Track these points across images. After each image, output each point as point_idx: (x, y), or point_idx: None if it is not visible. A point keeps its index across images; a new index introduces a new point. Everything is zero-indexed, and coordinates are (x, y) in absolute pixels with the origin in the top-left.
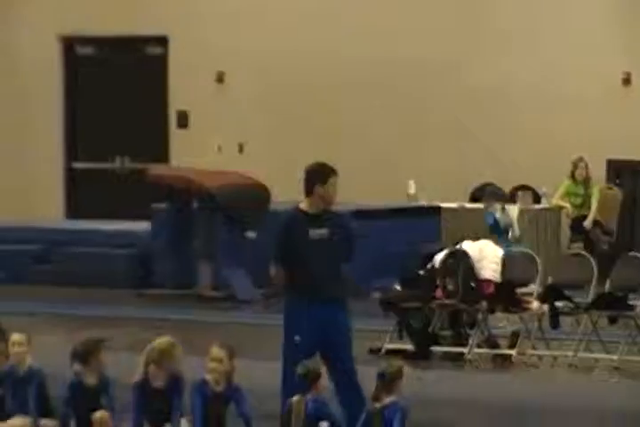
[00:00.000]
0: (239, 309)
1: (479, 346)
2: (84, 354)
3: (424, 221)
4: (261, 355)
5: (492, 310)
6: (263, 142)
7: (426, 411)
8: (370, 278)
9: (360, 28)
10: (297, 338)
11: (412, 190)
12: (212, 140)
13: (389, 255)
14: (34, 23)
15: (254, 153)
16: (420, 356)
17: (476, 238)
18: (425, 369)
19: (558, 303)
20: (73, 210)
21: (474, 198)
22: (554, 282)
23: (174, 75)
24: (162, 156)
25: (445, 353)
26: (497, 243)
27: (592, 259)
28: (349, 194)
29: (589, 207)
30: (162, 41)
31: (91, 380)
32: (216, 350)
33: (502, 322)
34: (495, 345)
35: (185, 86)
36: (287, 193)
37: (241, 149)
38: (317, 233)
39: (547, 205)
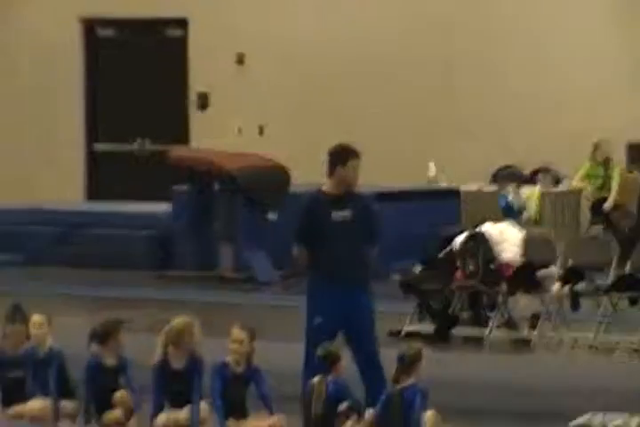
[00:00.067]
0: (259, 290)
1: (499, 328)
2: (103, 335)
3: (444, 203)
4: (281, 336)
5: (512, 292)
6: (283, 124)
7: (445, 393)
8: (389, 261)
9: (384, 14)
10: (318, 320)
11: (432, 173)
12: (232, 122)
13: (409, 238)
14: (55, 5)
15: (274, 135)
16: (440, 338)
17: (496, 221)
18: (445, 351)
19: (579, 285)
20: (93, 192)
21: (494, 181)
22: (574, 264)
23: (194, 57)
24: (182, 137)
25: (465, 335)
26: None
27: (612, 241)
28: (370, 176)
29: (609, 189)
30: (182, 23)
31: (109, 360)
32: (237, 332)
33: (522, 304)
34: (515, 327)
35: (205, 68)
36: (307, 175)
37: (261, 131)
38: (340, 215)
39: (567, 188)
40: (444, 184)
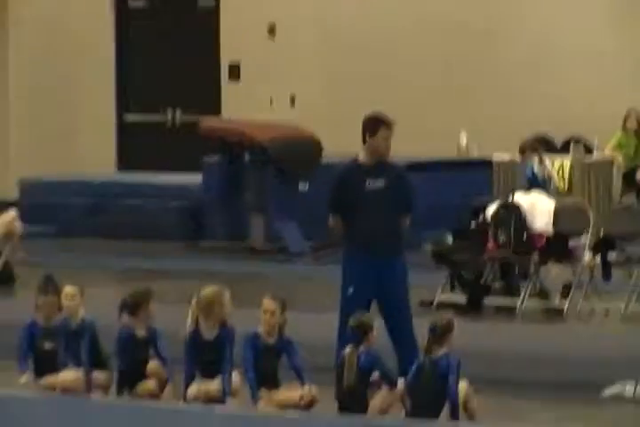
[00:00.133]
0: (290, 261)
1: (531, 298)
2: (133, 306)
3: (475, 173)
4: (312, 307)
5: (544, 262)
6: (315, 95)
7: (477, 363)
8: (421, 231)
9: None
10: (350, 290)
11: (463, 142)
12: (263, 93)
13: (440, 208)
14: None
15: (306, 105)
16: (472, 308)
17: (527, 190)
18: (476, 321)
19: (610, 255)
20: (124, 163)
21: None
22: (606, 234)
23: (225, 27)
24: (213, 108)
25: (497, 305)
26: None
27: None
28: (402, 146)
29: None
30: None
31: (140, 332)
32: (268, 302)
33: (554, 274)
34: (547, 297)
35: (236, 38)
36: (339, 146)
37: (292, 101)
38: (374, 184)
39: (598, 157)
40: (475, 153)
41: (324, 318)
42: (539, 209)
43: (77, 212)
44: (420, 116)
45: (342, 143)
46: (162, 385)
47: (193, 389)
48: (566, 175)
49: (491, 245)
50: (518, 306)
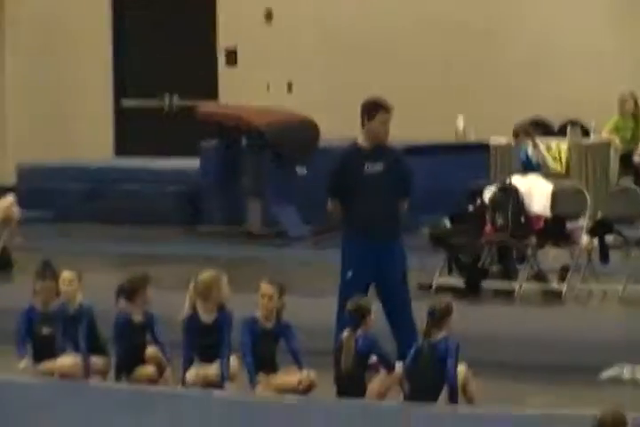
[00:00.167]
0: (289, 245)
1: (529, 281)
2: (130, 291)
3: (473, 156)
4: (311, 292)
5: (541, 245)
6: (312, 80)
7: (476, 347)
8: (418, 214)
9: None
10: (349, 274)
11: (460, 125)
12: (260, 79)
13: (438, 191)
14: None
15: (303, 91)
16: (470, 291)
17: (523, 174)
18: (475, 304)
19: (608, 238)
20: (122, 148)
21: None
22: (603, 216)
23: (223, 12)
24: (210, 93)
25: (495, 289)
26: None
27: None
28: (400, 130)
29: (639, 141)
30: None
31: (137, 317)
32: (266, 287)
33: (551, 257)
34: (545, 280)
35: (233, 24)
36: (336, 130)
37: (289, 87)
38: (372, 168)
39: (596, 140)
40: (472, 137)
41: (323, 302)
42: (536, 192)
43: (75, 197)
44: (419, 101)
45: (339, 129)
46: (160, 370)
47: (191, 373)
48: (564, 158)
49: (488, 228)
50: (516, 289)
